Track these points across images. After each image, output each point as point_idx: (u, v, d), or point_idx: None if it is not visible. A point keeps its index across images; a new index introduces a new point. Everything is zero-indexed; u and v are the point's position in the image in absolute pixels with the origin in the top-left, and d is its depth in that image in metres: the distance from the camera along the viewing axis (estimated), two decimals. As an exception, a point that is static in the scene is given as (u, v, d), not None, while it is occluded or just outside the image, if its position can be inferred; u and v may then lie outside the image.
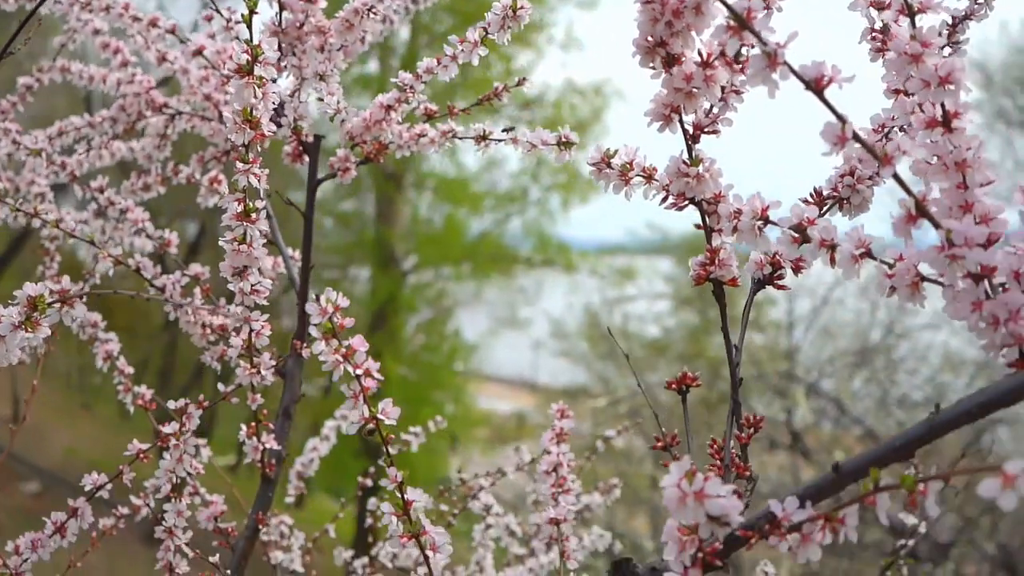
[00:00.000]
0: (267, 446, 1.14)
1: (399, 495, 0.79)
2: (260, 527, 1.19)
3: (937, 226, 0.62)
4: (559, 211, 10.93)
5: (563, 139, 1.05)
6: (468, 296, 11.56)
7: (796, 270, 0.82)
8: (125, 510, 1.26)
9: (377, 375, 0.77)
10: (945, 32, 0.86)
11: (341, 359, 0.76)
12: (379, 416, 0.77)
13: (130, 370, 1.25)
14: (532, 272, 11.37)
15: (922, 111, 0.67)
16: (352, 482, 1.93)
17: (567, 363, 10.66)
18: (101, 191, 1.30)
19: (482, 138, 1.13)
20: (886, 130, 0.83)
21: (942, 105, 0.65)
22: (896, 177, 0.62)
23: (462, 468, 1.66)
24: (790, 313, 8.00)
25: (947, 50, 0.86)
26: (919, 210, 0.62)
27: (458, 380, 11.12)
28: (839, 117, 0.61)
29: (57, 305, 0.80)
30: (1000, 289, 0.64)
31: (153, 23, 1.27)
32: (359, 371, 0.76)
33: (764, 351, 8.22)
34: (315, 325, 0.75)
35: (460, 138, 1.15)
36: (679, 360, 8.33)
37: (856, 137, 0.61)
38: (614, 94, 10.14)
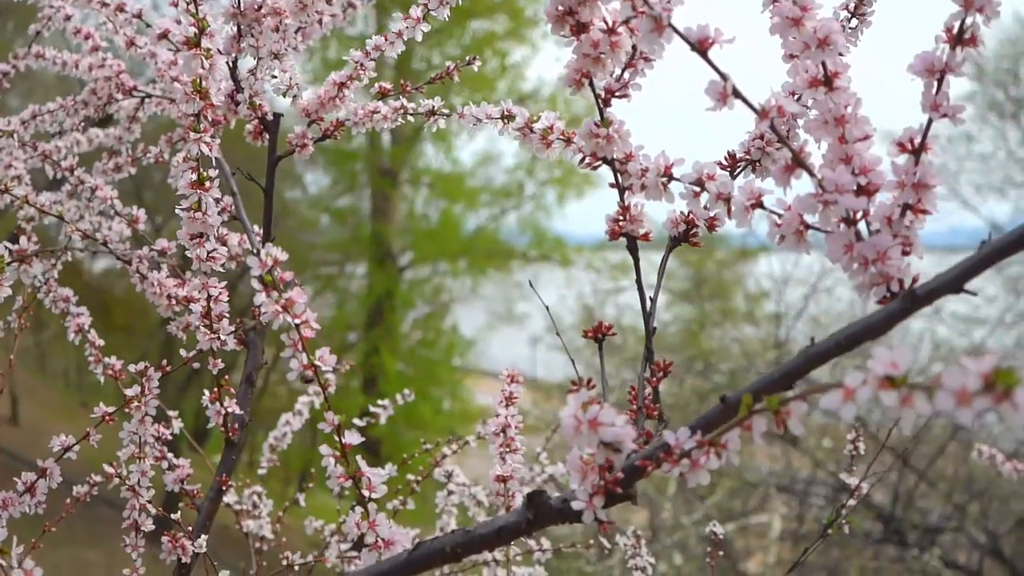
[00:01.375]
0: (229, 411, 1.19)
1: (337, 439, 0.84)
2: (224, 489, 1.24)
3: (812, 175, 0.67)
4: (555, 206, 11.01)
5: (506, 113, 1.10)
6: (465, 291, 11.62)
7: (711, 228, 0.87)
8: (98, 477, 1.31)
9: (315, 324, 0.82)
10: (852, 3, 0.91)
11: (281, 309, 0.81)
12: (317, 363, 0.82)
13: (101, 342, 1.29)
14: (528, 267, 11.42)
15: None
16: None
17: (564, 357, 10.69)
18: (71, 171, 1.35)
19: (431, 113, 1.18)
20: (796, 95, 0.88)
21: (823, 65, 0.71)
22: (774, 130, 0.67)
23: (428, 444, 1.71)
24: (779, 302, 8.05)
25: (854, 21, 0.91)
26: (796, 161, 0.68)
27: (455, 375, 11.17)
28: (721, 75, 0.66)
29: (15, 264, 0.85)
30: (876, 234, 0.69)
31: (120, 8, 1.32)
32: (298, 321, 0.81)
33: (757, 343, 8.27)
34: (255, 277, 0.80)
35: (411, 114, 1.21)
36: (673, 352, 8.37)
37: (736, 93, 0.66)
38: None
